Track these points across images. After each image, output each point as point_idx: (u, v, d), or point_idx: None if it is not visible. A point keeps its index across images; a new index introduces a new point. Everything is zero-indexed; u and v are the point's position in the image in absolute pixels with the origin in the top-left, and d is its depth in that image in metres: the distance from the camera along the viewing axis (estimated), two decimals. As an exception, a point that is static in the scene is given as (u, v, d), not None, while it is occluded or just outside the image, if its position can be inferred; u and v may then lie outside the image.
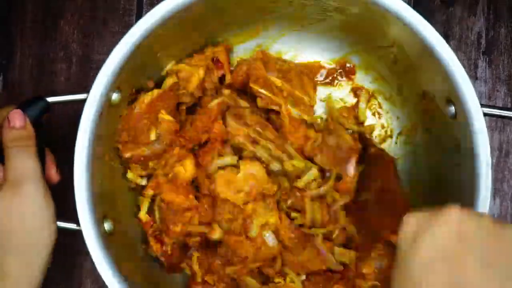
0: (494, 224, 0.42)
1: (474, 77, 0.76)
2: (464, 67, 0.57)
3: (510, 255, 0.41)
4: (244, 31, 0.72)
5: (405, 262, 0.43)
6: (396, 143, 0.73)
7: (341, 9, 0.64)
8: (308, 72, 0.73)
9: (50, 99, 0.60)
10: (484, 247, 0.41)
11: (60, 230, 0.59)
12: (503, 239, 0.41)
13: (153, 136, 0.66)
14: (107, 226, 0.61)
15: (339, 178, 0.67)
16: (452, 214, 0.42)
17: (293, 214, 0.67)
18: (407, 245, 0.44)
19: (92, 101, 0.58)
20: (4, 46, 0.76)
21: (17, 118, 0.58)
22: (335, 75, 0.74)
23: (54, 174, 0.62)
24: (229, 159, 0.67)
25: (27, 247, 0.56)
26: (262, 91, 0.68)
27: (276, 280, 0.67)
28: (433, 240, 0.42)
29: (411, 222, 0.44)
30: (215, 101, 0.68)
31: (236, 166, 0.66)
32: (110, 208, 0.63)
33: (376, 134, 0.74)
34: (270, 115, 0.70)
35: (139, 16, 0.76)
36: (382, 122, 0.74)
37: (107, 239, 0.59)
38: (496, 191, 0.75)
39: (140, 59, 0.62)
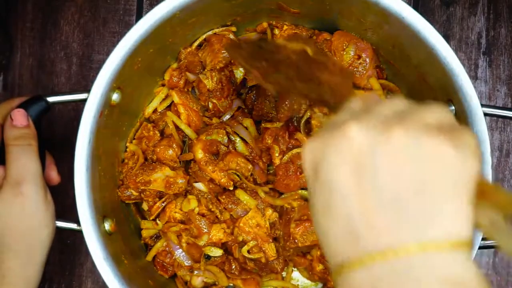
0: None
1: (474, 77, 0.75)
2: (464, 67, 0.57)
3: None
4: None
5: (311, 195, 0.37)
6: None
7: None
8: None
9: (50, 99, 0.59)
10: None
11: (61, 230, 0.59)
12: None
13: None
14: (107, 226, 0.61)
15: None
16: (350, 132, 0.34)
17: None
18: (310, 177, 0.37)
19: (93, 101, 0.58)
20: (4, 46, 0.76)
21: (20, 117, 0.58)
22: None
23: (54, 176, 0.62)
24: None
25: (26, 246, 0.56)
26: None
27: None
28: (328, 174, 0.35)
29: (309, 149, 0.37)
30: None
31: None
32: (110, 208, 0.63)
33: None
34: None
35: (139, 16, 0.76)
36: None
37: (107, 239, 0.59)
38: (496, 191, 0.75)
39: (140, 59, 0.62)
